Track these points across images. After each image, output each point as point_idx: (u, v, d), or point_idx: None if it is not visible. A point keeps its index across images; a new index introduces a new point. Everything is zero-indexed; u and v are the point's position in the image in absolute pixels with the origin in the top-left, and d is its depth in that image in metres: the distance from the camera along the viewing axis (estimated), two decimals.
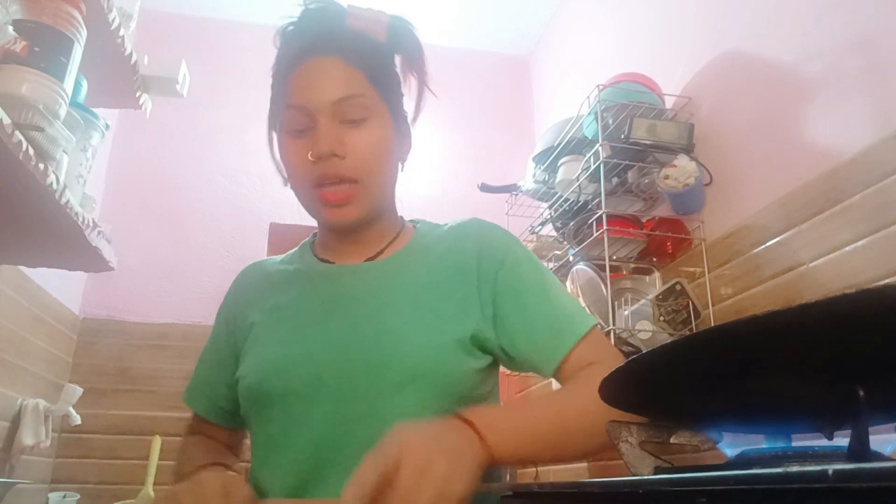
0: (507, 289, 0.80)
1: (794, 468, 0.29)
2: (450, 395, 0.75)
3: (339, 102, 0.78)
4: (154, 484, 2.01)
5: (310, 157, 0.77)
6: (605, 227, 1.54)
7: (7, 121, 0.90)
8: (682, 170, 1.49)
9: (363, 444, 0.71)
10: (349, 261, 0.87)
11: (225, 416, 0.89)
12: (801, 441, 0.51)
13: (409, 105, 0.89)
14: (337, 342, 0.77)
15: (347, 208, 0.79)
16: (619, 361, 0.72)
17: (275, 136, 0.85)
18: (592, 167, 1.63)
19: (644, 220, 1.69)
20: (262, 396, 0.77)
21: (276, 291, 0.87)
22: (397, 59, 0.86)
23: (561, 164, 1.85)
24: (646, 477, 0.54)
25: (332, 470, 0.72)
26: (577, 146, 1.80)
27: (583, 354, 0.76)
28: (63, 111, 1.03)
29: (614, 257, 1.67)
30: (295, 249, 0.95)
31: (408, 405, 0.73)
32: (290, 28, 0.83)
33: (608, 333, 1.48)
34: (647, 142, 1.55)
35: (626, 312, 1.54)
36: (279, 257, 0.95)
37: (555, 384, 0.84)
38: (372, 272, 0.85)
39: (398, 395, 0.73)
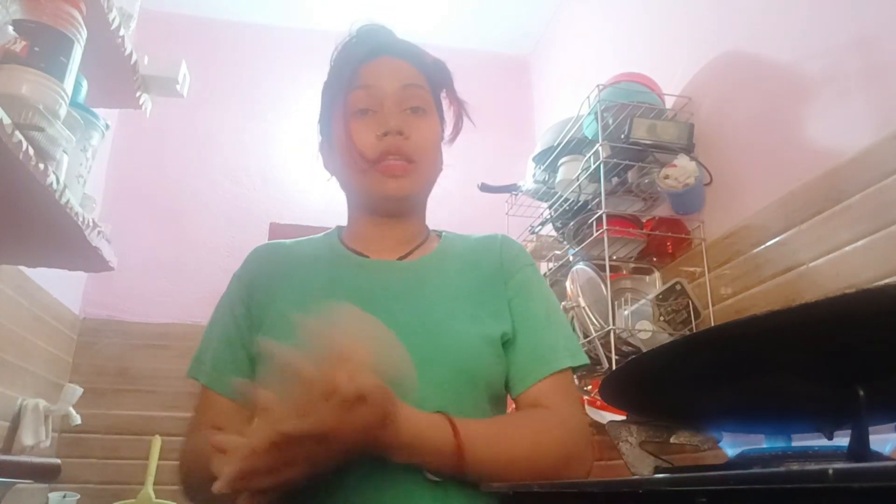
0: (517, 306, 0.86)
1: (794, 468, 0.30)
2: (486, 393, 0.80)
3: (405, 88, 0.85)
4: (154, 484, 2.01)
5: (378, 133, 0.82)
6: (605, 227, 1.54)
7: (7, 121, 0.90)
8: (682, 170, 1.49)
9: None
10: (382, 256, 0.88)
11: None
12: (801, 441, 0.51)
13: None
14: None
15: (404, 181, 0.84)
16: (573, 411, 0.80)
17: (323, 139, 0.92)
18: (592, 167, 1.63)
19: (644, 220, 1.69)
20: None
21: (304, 278, 0.87)
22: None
23: (561, 164, 1.85)
24: (646, 477, 0.54)
25: (373, 462, 0.71)
26: (577, 146, 1.80)
27: (546, 390, 0.80)
28: (63, 111, 1.03)
29: (614, 257, 1.67)
30: (318, 237, 0.95)
31: (448, 401, 0.75)
32: (350, 40, 0.90)
33: (608, 333, 1.48)
34: (647, 142, 1.56)
35: (626, 312, 1.54)
36: (297, 241, 0.94)
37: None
38: (409, 270, 0.87)
39: (440, 391, 0.75)
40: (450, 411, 0.74)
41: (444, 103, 0.94)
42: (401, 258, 0.88)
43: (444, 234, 0.96)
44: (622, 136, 1.57)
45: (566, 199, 1.80)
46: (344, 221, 0.95)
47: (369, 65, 0.86)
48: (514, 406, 0.86)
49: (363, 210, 0.90)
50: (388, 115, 0.83)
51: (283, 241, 0.95)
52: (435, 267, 0.88)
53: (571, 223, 1.80)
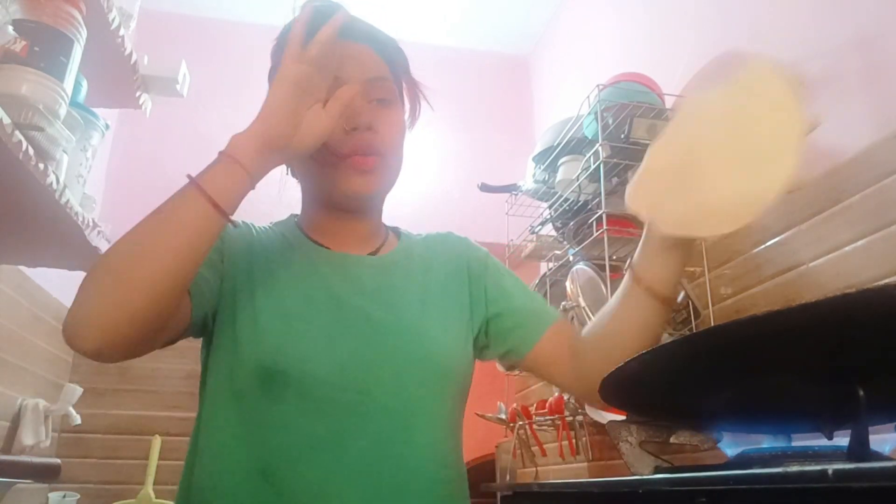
0: (495, 284, 0.90)
1: (794, 468, 0.29)
2: (460, 394, 0.82)
3: (371, 81, 0.82)
4: (154, 484, 2.01)
5: (346, 128, 0.80)
6: (605, 227, 1.53)
7: (7, 121, 0.90)
8: None
9: (381, 434, 0.73)
10: (346, 250, 0.86)
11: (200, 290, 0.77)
12: (801, 441, 0.51)
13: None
14: (357, 332, 0.78)
15: (373, 177, 0.82)
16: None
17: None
18: (592, 167, 1.63)
19: None
20: (276, 375, 0.74)
21: (273, 261, 0.83)
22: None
23: (561, 164, 1.85)
24: (646, 477, 0.54)
25: (348, 456, 0.72)
26: (577, 146, 1.80)
27: (558, 332, 0.87)
28: (63, 111, 1.03)
29: (614, 257, 1.67)
30: (273, 224, 0.92)
31: (428, 401, 0.78)
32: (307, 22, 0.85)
33: None
34: (647, 142, 1.55)
35: None
36: (254, 224, 0.91)
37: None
38: (377, 266, 0.86)
39: (420, 391, 0.77)
40: (432, 409, 0.78)
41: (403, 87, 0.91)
42: (370, 253, 0.88)
43: (400, 231, 0.96)
44: (622, 136, 1.57)
45: (566, 199, 1.80)
46: None
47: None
48: (524, 363, 0.89)
49: (321, 204, 0.87)
50: (357, 108, 0.80)
51: (243, 220, 0.90)
52: (401, 265, 0.88)
53: (571, 223, 1.80)
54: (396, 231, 0.96)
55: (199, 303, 0.76)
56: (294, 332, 0.77)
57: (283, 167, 0.89)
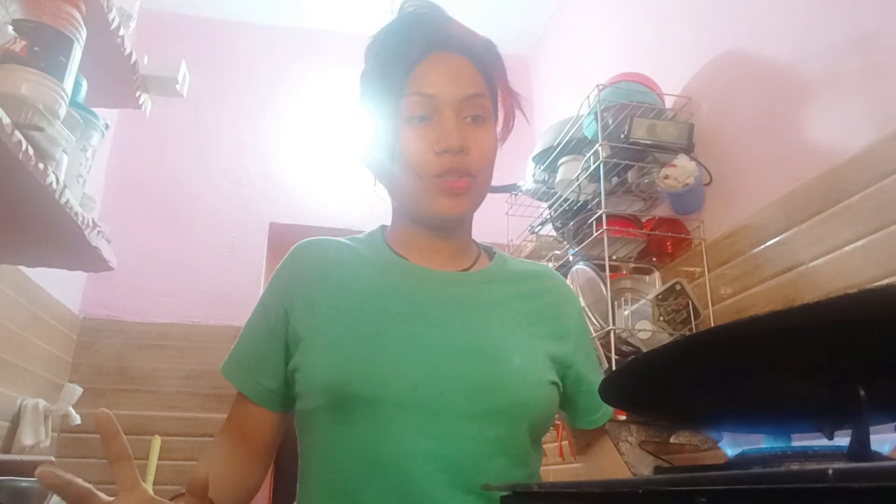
0: (581, 344, 0.88)
1: (794, 468, 0.30)
2: (536, 427, 0.78)
3: (467, 99, 0.79)
4: (154, 484, 2.01)
5: (437, 149, 0.77)
6: (604, 227, 1.54)
7: (7, 121, 0.90)
8: (682, 170, 1.49)
9: (449, 460, 0.71)
10: (433, 266, 0.84)
11: (267, 395, 0.82)
12: (801, 441, 0.51)
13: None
14: (431, 352, 0.75)
15: (463, 199, 0.79)
16: None
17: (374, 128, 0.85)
18: (592, 167, 1.63)
19: (644, 220, 1.70)
20: (344, 398, 0.73)
21: (348, 279, 0.82)
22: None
23: (561, 164, 1.85)
24: (646, 477, 0.54)
25: (416, 480, 0.70)
26: (576, 146, 1.80)
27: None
28: (63, 111, 1.03)
29: (614, 257, 1.67)
30: (361, 237, 0.90)
31: (500, 428, 0.74)
32: (397, 26, 0.84)
33: (608, 333, 1.48)
34: (647, 142, 1.56)
35: (625, 312, 1.54)
36: (339, 240, 0.89)
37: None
38: (464, 284, 0.83)
39: (493, 418, 0.73)
40: (504, 437, 0.74)
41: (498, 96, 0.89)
42: (462, 272, 0.86)
43: (494, 251, 0.92)
44: (622, 136, 1.57)
45: (566, 199, 1.80)
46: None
47: (424, 64, 0.79)
48: (569, 432, 0.92)
49: (410, 220, 0.85)
50: (448, 128, 0.77)
51: (327, 238, 0.89)
52: (490, 286, 0.84)
53: (571, 223, 1.80)
54: (490, 251, 0.92)
55: (273, 401, 0.82)
56: (361, 353, 0.74)
57: (372, 178, 0.87)
